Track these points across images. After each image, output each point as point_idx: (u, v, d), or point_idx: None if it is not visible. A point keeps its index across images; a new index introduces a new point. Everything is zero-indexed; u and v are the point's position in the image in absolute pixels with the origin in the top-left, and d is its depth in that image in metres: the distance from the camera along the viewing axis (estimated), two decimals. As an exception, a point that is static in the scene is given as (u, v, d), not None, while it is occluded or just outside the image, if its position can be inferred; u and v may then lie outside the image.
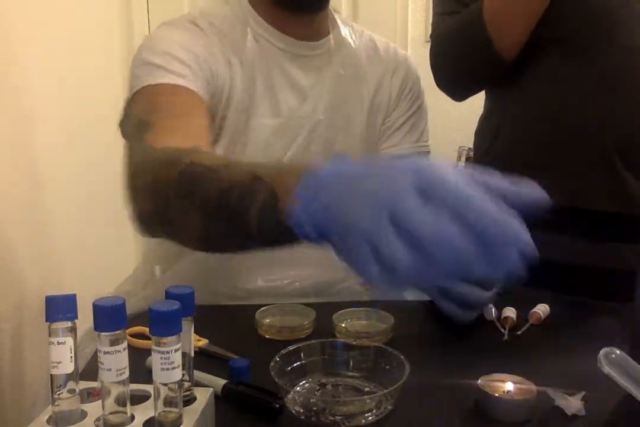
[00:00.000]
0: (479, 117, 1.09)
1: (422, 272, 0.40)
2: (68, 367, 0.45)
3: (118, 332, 0.44)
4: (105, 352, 0.44)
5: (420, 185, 0.41)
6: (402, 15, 1.76)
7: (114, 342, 0.44)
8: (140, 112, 0.78)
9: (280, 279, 0.94)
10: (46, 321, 0.45)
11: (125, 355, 0.45)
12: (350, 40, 0.99)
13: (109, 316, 0.43)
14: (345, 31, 0.99)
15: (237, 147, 0.92)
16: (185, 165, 0.59)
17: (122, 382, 0.45)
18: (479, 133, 1.08)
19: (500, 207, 0.40)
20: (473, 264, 0.39)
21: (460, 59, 0.97)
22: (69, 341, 0.45)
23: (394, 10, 1.76)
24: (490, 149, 1.02)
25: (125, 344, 0.44)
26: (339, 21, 0.99)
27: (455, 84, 1.03)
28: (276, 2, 0.90)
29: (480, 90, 1.05)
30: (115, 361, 0.44)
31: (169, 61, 0.82)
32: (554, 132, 0.93)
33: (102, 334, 0.44)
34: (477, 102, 1.08)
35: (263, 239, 0.54)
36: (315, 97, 0.95)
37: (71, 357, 0.45)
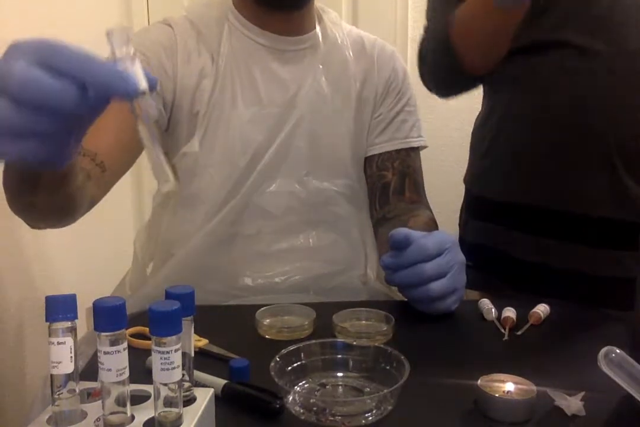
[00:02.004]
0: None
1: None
2: (68, 367, 0.45)
3: (118, 332, 0.44)
4: (105, 353, 0.44)
5: (39, 57, 0.43)
6: (402, 15, 1.76)
7: (114, 342, 0.44)
8: None
9: (277, 275, 0.94)
10: (46, 321, 0.44)
11: (125, 355, 0.45)
12: (337, 35, 0.99)
13: (109, 316, 0.43)
14: (332, 28, 1.00)
15: (217, 138, 0.92)
16: None
17: (122, 382, 0.45)
18: (477, 134, 1.06)
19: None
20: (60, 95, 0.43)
21: (436, 71, 0.99)
22: (69, 341, 0.45)
23: (394, 10, 1.75)
24: (489, 151, 1.01)
25: (125, 344, 0.44)
26: (325, 18, 1.00)
27: (437, 87, 1.03)
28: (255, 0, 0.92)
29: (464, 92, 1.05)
30: (115, 361, 0.44)
31: None
32: (558, 136, 0.91)
33: (102, 334, 0.43)
34: (477, 102, 1.08)
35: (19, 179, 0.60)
36: (298, 89, 0.95)
37: (71, 357, 0.45)
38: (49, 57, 0.43)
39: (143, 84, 0.45)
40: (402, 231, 0.75)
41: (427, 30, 1.00)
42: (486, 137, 1.02)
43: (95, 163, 0.79)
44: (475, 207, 1.07)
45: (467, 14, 0.89)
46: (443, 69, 0.98)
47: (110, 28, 0.45)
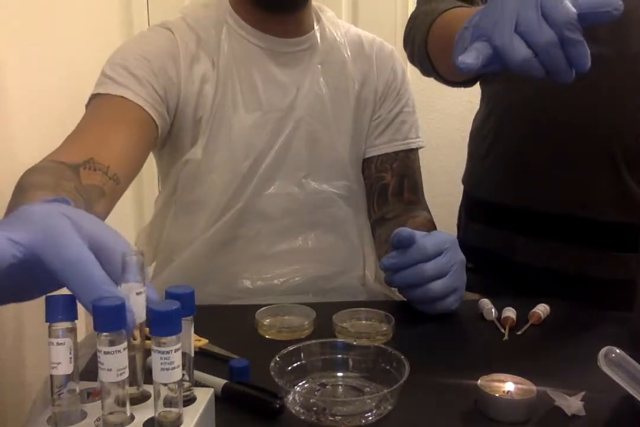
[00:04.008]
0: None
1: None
2: (68, 367, 0.45)
3: (118, 332, 0.44)
4: (105, 353, 0.44)
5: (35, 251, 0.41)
6: (402, 15, 1.75)
7: (113, 342, 0.44)
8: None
9: (276, 277, 0.94)
10: (46, 321, 0.44)
11: (125, 355, 0.45)
12: (335, 35, 0.99)
13: (109, 316, 0.43)
14: (330, 27, 0.99)
15: (219, 144, 0.92)
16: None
17: (122, 383, 0.45)
18: (476, 135, 1.05)
19: None
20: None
21: (421, 69, 0.95)
22: (69, 341, 0.45)
23: (394, 10, 1.75)
24: (489, 152, 1.00)
25: (125, 344, 0.44)
26: (323, 18, 1.00)
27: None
28: (253, 2, 0.91)
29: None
30: (115, 361, 0.44)
31: (119, 72, 0.86)
32: (560, 139, 0.90)
33: (102, 334, 0.43)
34: (478, 102, 1.08)
35: None
36: (297, 92, 0.95)
37: (71, 357, 0.45)
38: (48, 256, 0.40)
39: (141, 317, 0.45)
40: (406, 229, 0.75)
41: (414, 18, 0.93)
42: (486, 139, 1.01)
43: (109, 176, 0.78)
44: (476, 210, 1.05)
45: (440, 32, 0.83)
46: (425, 71, 0.94)
47: (129, 251, 0.44)
